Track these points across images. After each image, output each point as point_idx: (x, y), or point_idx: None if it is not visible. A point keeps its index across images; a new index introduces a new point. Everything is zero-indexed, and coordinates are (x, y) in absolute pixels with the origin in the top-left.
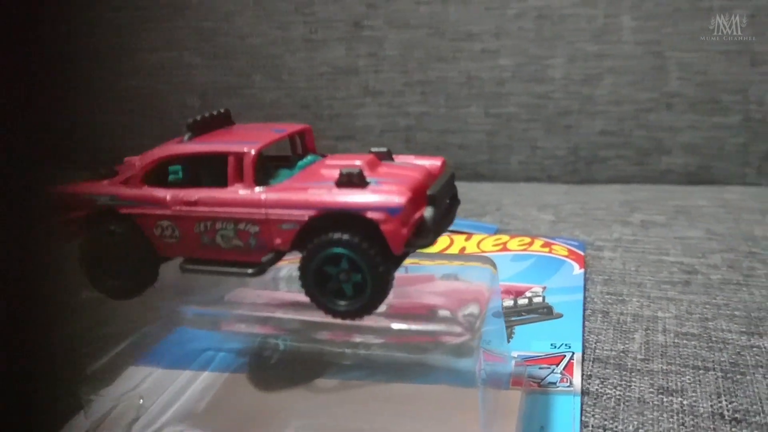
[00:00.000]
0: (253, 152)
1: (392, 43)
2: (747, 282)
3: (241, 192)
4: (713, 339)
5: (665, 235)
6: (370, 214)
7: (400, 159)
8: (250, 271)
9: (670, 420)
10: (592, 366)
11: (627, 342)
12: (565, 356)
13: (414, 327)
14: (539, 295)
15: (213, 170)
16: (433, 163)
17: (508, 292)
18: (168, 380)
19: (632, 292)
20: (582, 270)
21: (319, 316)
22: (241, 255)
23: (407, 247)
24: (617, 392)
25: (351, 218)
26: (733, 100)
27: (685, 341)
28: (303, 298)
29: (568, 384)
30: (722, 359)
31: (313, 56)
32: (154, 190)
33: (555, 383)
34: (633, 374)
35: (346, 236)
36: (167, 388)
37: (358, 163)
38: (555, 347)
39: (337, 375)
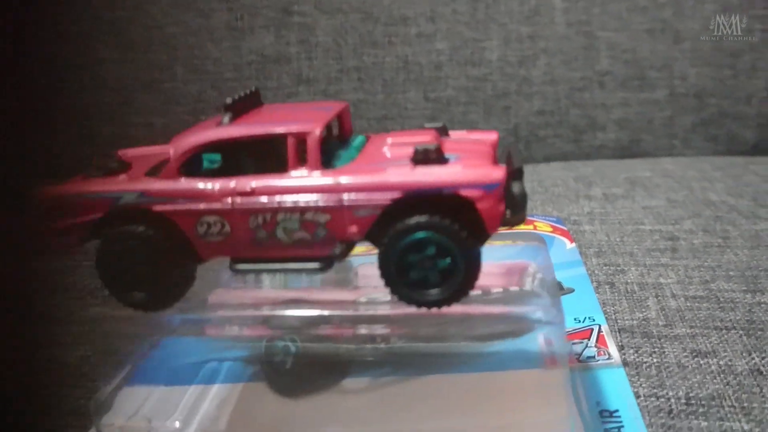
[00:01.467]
0: (317, 132)
1: (324, 29)
2: (727, 244)
3: (308, 177)
4: (721, 300)
5: (631, 205)
6: (464, 192)
7: (454, 134)
8: (317, 266)
9: (714, 381)
10: (620, 336)
11: (644, 310)
12: (592, 329)
13: (502, 309)
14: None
15: (259, 155)
16: (489, 136)
17: (509, 271)
18: (174, 398)
19: (627, 262)
20: (573, 244)
21: (321, 310)
22: (304, 250)
23: (502, 225)
24: (654, 360)
25: (437, 198)
26: (659, 76)
27: (696, 304)
28: (292, 294)
29: (607, 357)
30: (738, 318)
31: (240, 45)
32: (195, 181)
33: (594, 357)
34: (662, 341)
35: (435, 219)
36: (177, 407)
37: (427, 138)
38: (579, 321)
39: (364, 373)
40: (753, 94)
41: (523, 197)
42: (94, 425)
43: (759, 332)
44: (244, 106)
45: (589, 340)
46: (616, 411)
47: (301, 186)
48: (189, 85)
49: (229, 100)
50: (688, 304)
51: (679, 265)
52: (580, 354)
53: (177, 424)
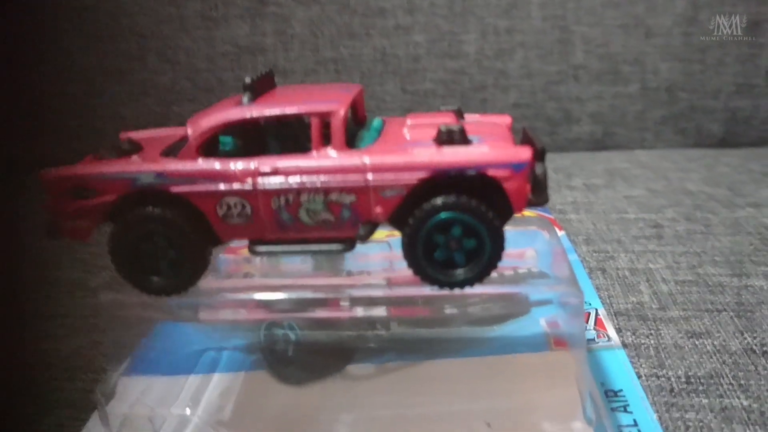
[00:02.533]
0: (342, 112)
1: (300, 20)
2: (709, 231)
3: (333, 157)
4: (710, 284)
5: (613, 195)
6: (492, 172)
7: (469, 117)
8: (340, 247)
9: (711, 360)
10: (617, 320)
11: (637, 294)
12: (590, 313)
13: (521, 289)
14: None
15: (279, 136)
16: (504, 120)
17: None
18: (175, 387)
19: (616, 249)
20: (562, 232)
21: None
22: (327, 231)
23: (527, 206)
24: (652, 341)
25: (464, 179)
26: (632, 70)
27: (687, 288)
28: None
29: (607, 339)
30: (727, 301)
31: (213, 35)
32: (215, 161)
33: (594, 339)
34: (657, 323)
35: (463, 199)
36: (179, 396)
37: (448, 120)
38: None
39: (368, 360)
40: (721, 89)
41: (546, 178)
42: (98, 413)
43: (749, 314)
44: (261, 87)
45: (587, 323)
46: (620, 390)
47: (327, 166)
48: (160, 75)
49: (248, 80)
50: (679, 288)
51: (666, 251)
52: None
53: (187, 410)
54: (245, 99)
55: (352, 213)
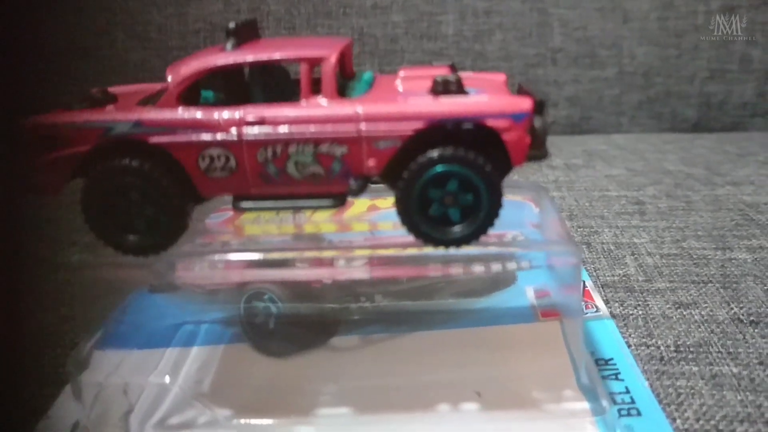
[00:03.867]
0: (333, 58)
1: None
2: (690, 207)
3: (324, 106)
4: (694, 257)
5: (594, 174)
6: (491, 122)
7: (464, 74)
8: (329, 202)
9: (699, 330)
10: (604, 291)
11: (623, 267)
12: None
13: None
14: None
15: (264, 85)
16: (498, 77)
17: None
18: (151, 361)
19: (600, 224)
20: None
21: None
22: (315, 186)
23: (526, 160)
24: (640, 312)
25: (460, 130)
26: (609, 54)
27: (672, 261)
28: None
29: (595, 310)
30: (712, 273)
31: (186, 12)
32: (198, 110)
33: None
34: (645, 294)
35: (460, 151)
36: (155, 368)
37: (444, 71)
38: None
39: (352, 332)
40: (695, 74)
41: (545, 131)
42: (71, 385)
43: (734, 285)
44: (245, 35)
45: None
46: (611, 359)
47: (317, 115)
48: (130, 53)
49: (231, 25)
50: (664, 261)
51: (649, 226)
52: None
53: (167, 378)
54: (229, 45)
55: (343, 166)
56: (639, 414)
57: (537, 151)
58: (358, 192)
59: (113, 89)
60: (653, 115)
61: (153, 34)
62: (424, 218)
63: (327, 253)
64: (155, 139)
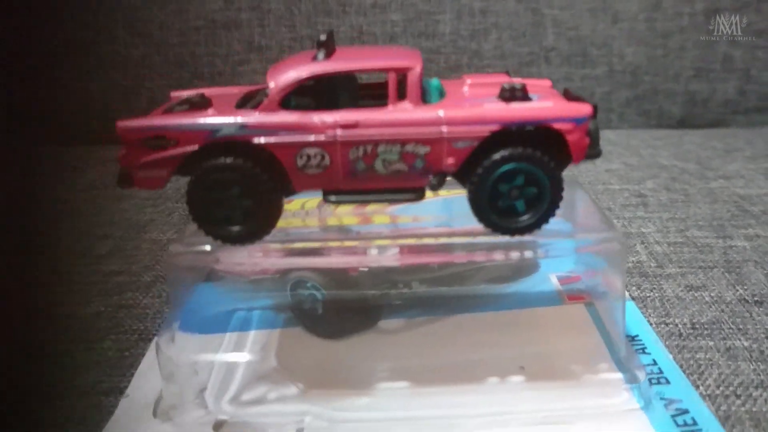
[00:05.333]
0: (418, 68)
1: None
2: (688, 199)
3: (410, 110)
4: (699, 245)
5: (594, 169)
6: (557, 125)
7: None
8: (411, 196)
9: (711, 309)
10: None
11: (635, 255)
12: (593, 270)
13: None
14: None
15: (350, 90)
16: (546, 83)
17: None
18: (213, 344)
19: (608, 215)
20: None
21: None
22: (398, 181)
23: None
24: (656, 294)
25: (529, 131)
26: (599, 53)
27: (679, 249)
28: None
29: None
30: (716, 259)
31: (187, 8)
32: (297, 114)
33: (606, 293)
34: (658, 279)
35: (528, 150)
36: (218, 351)
37: (504, 79)
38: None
39: (396, 316)
40: (680, 72)
41: (598, 132)
42: (159, 360)
43: (737, 269)
44: (330, 45)
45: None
46: (637, 336)
47: (405, 119)
48: (131, 49)
49: (323, 37)
50: (672, 249)
51: (654, 217)
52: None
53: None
54: (320, 55)
55: (424, 163)
56: (668, 382)
57: (593, 150)
58: (438, 186)
59: (197, 92)
60: (641, 112)
61: (154, 31)
62: (494, 209)
63: (361, 243)
64: (258, 140)
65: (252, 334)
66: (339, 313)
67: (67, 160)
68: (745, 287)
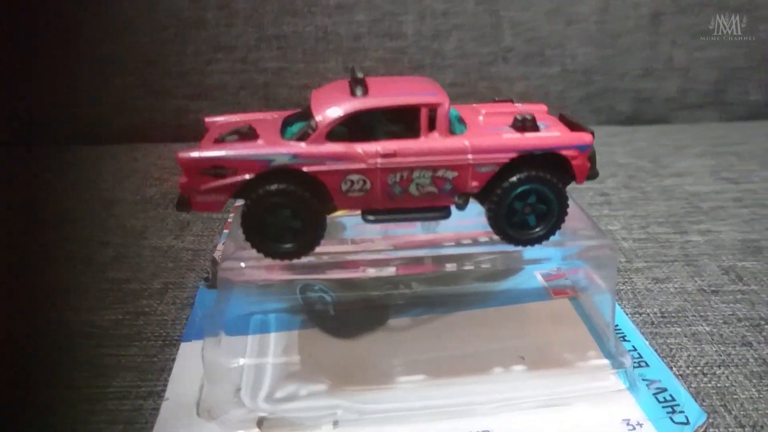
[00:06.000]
0: (447, 104)
1: None
2: (646, 197)
3: (441, 140)
4: (659, 240)
5: None
6: (565, 152)
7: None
8: (439, 213)
9: (676, 299)
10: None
11: None
12: (577, 269)
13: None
14: None
15: (384, 122)
16: (542, 108)
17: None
18: (237, 346)
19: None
20: None
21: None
22: (429, 201)
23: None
24: (628, 287)
25: (540, 157)
26: (554, 53)
27: (643, 244)
28: None
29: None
30: (676, 253)
31: (155, 7)
32: (342, 145)
33: (585, 289)
34: (628, 273)
35: (540, 173)
36: (244, 353)
37: (511, 109)
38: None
39: (403, 314)
40: (628, 72)
41: (595, 156)
42: (204, 364)
43: (695, 262)
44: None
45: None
46: (617, 325)
47: (437, 148)
48: (98, 46)
49: (360, 75)
50: (637, 245)
51: (618, 215)
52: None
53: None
54: (359, 92)
55: (452, 186)
56: (647, 365)
57: (592, 171)
58: (463, 206)
59: (228, 119)
60: (593, 109)
61: (122, 29)
62: (510, 224)
63: (360, 255)
64: (308, 168)
65: (272, 336)
66: (350, 313)
67: (34, 161)
68: (703, 278)
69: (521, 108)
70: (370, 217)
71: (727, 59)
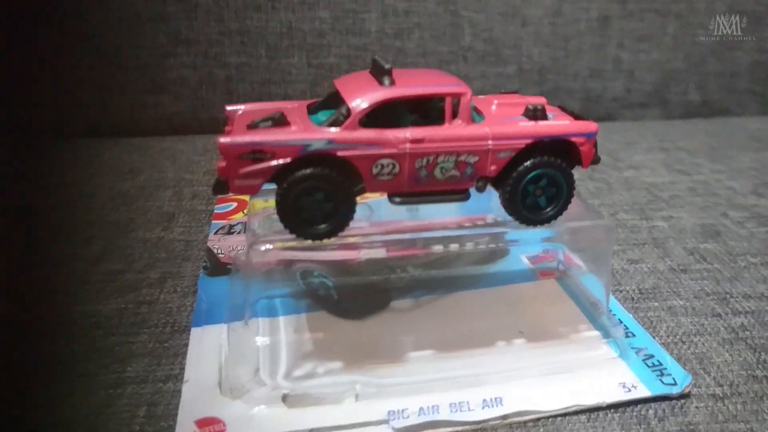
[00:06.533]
0: (470, 93)
1: None
2: (610, 188)
3: (464, 127)
4: (628, 226)
5: None
6: (574, 139)
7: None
8: (461, 196)
9: (650, 277)
10: (577, 255)
11: None
12: (554, 251)
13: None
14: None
15: (409, 110)
16: (541, 100)
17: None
18: (254, 329)
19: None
20: None
21: None
22: (451, 185)
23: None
24: None
25: (551, 144)
26: (510, 53)
27: (615, 231)
28: None
29: (579, 268)
30: (645, 237)
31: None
32: (374, 131)
33: (569, 269)
34: None
35: (552, 159)
36: (257, 335)
37: (520, 100)
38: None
39: (404, 297)
40: (578, 72)
41: (596, 144)
42: (230, 345)
43: (662, 245)
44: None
45: (560, 259)
46: (599, 301)
47: (461, 135)
48: (49, 40)
49: (387, 66)
50: None
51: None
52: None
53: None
54: (387, 81)
55: (473, 170)
56: (634, 335)
57: (595, 157)
58: (483, 188)
59: (254, 107)
60: None
61: (73, 20)
62: (524, 206)
63: (352, 239)
64: (342, 153)
65: (282, 319)
66: (353, 297)
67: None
68: (672, 259)
69: (527, 100)
70: (397, 199)
71: (668, 61)
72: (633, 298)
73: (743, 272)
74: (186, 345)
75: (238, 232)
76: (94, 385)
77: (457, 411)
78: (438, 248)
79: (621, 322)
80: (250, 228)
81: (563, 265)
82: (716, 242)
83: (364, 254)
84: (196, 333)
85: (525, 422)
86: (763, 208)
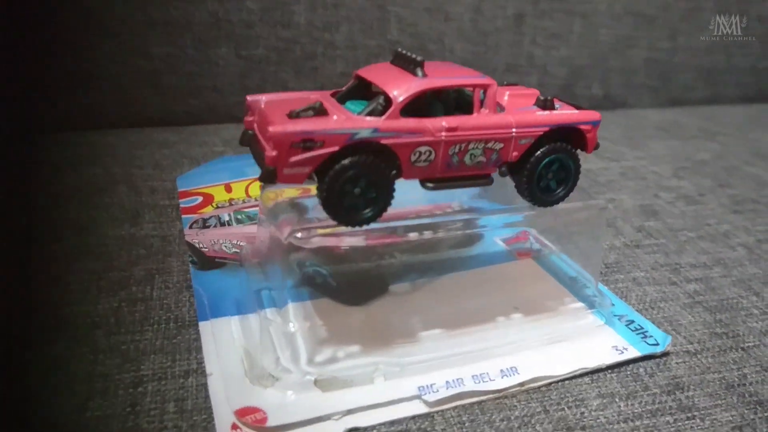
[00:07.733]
0: (495, 85)
1: None
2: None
3: (491, 116)
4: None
5: None
6: (582, 127)
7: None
8: (487, 180)
9: (612, 253)
10: (544, 236)
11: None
12: (527, 233)
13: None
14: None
15: (440, 101)
16: (535, 91)
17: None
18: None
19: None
20: None
21: None
22: (478, 170)
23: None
24: (572, 246)
25: (563, 131)
26: (436, 47)
27: None
28: None
29: (550, 248)
30: (625, 233)
31: None
32: (414, 120)
33: (541, 250)
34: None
35: (564, 145)
36: (266, 328)
37: (526, 92)
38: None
39: (401, 281)
40: (497, 66)
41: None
42: (261, 339)
43: (614, 224)
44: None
45: (529, 241)
46: (576, 276)
47: (489, 123)
48: None
49: (419, 58)
50: None
51: None
52: (531, 249)
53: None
54: (420, 73)
55: (498, 156)
56: (613, 305)
57: (597, 143)
58: (506, 173)
59: (279, 97)
60: None
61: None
62: (537, 188)
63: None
64: (385, 141)
65: (290, 306)
66: (351, 283)
67: None
68: (624, 237)
69: (529, 91)
70: (430, 185)
71: (574, 58)
72: (601, 272)
73: (685, 245)
74: (196, 340)
75: (214, 226)
76: (112, 386)
77: (479, 382)
78: (414, 235)
79: (600, 293)
80: (269, 219)
81: (538, 245)
82: (657, 220)
83: (346, 243)
84: (205, 327)
85: (539, 387)
86: (686, 189)
